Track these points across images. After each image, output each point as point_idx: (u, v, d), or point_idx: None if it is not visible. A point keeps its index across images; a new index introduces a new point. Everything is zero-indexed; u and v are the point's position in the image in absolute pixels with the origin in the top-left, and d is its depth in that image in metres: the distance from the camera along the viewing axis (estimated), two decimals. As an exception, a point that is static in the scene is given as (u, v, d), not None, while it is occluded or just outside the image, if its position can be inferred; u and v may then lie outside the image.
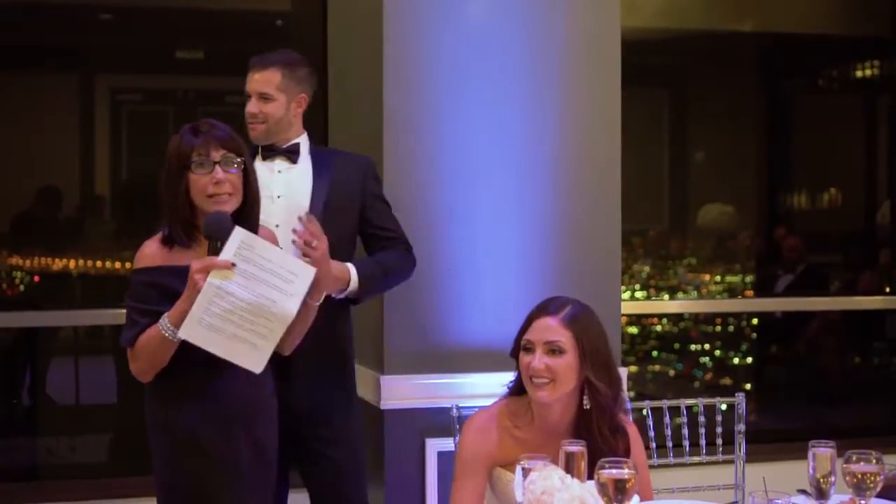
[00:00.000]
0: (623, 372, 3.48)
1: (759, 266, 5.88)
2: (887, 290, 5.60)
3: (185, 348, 2.49)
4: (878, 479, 2.26)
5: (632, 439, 2.58)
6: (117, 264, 4.76)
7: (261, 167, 3.00)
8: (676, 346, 5.86)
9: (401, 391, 3.47)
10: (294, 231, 2.71)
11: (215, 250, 2.48)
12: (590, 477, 2.15)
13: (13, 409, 4.90)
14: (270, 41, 4.08)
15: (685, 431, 3.41)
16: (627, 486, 2.07)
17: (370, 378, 3.54)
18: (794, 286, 5.67)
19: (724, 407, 3.44)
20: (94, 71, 5.08)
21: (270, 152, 3.11)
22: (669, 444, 3.39)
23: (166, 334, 2.49)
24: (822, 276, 5.87)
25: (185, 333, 2.46)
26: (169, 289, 2.52)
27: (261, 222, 2.70)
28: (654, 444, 3.33)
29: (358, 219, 3.15)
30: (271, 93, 3.08)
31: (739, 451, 3.39)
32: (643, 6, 5.42)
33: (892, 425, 5.29)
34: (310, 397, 3.05)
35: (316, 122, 4.06)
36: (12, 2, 4.61)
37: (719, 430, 3.42)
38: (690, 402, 3.44)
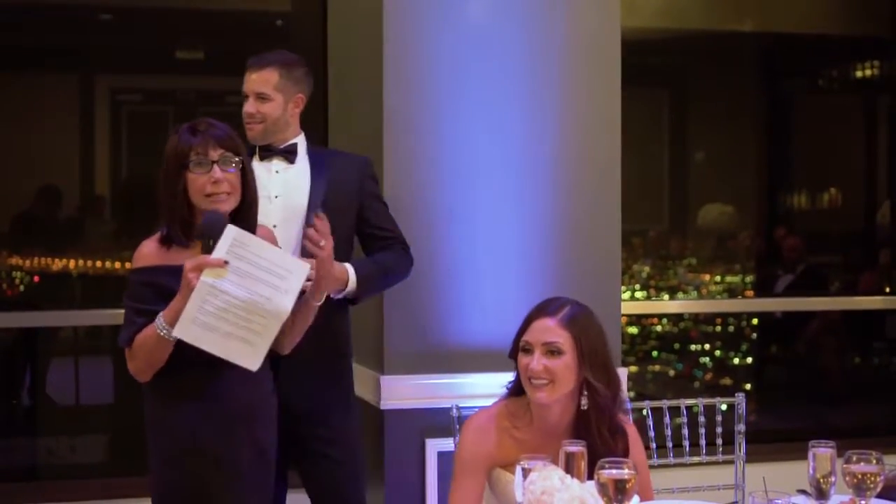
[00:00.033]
0: (623, 372, 3.48)
1: (759, 266, 5.88)
2: (887, 290, 5.60)
3: (183, 348, 2.49)
4: (878, 479, 2.26)
5: (631, 439, 2.58)
6: (117, 264, 4.76)
7: (258, 167, 3.00)
8: (676, 346, 5.86)
9: (401, 391, 3.47)
10: (306, 227, 2.69)
11: (208, 249, 2.47)
12: (590, 477, 2.15)
13: (13, 409, 4.90)
14: (270, 41, 4.08)
15: (685, 431, 3.41)
16: (627, 486, 2.07)
17: (370, 378, 3.54)
18: (794, 286, 5.68)
19: (724, 407, 3.44)
20: (94, 71, 5.08)
21: (268, 152, 3.12)
22: (669, 444, 3.39)
23: (162, 333, 2.49)
24: (822, 276, 5.87)
25: (179, 332, 2.46)
26: (166, 288, 2.51)
27: (258, 222, 2.70)
28: (654, 445, 3.33)
29: (356, 219, 3.15)
30: (268, 93, 3.08)
31: (739, 451, 3.39)
32: (643, 6, 5.42)
33: (892, 425, 5.29)
34: (308, 397, 3.05)
35: (316, 122, 4.06)
36: (12, 2, 4.61)
37: (719, 430, 3.42)
38: (690, 402, 3.44)
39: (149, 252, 2.60)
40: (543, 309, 2.57)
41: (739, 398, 3.41)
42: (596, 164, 3.68)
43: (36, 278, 4.82)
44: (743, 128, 5.99)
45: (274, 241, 2.75)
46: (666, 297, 5.74)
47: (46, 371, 4.87)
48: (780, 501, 2.05)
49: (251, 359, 2.51)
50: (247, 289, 2.48)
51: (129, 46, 4.87)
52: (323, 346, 3.02)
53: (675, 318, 5.82)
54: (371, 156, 3.36)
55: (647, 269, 5.84)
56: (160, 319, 2.49)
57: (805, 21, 5.82)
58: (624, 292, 4.50)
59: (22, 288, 4.80)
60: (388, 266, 3.16)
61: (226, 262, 2.46)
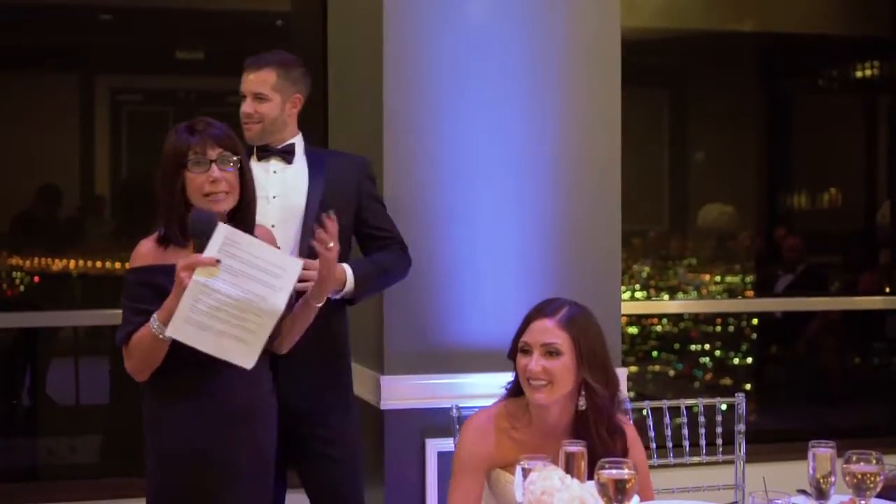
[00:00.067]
0: (622, 372, 3.49)
1: (759, 266, 5.88)
2: (887, 290, 5.60)
3: (180, 347, 2.48)
4: (878, 479, 2.26)
5: (630, 439, 2.58)
6: (117, 264, 4.76)
7: (256, 167, 3.00)
8: (676, 346, 5.86)
9: (401, 391, 3.47)
10: (316, 226, 2.68)
11: (200, 248, 2.47)
12: (590, 477, 2.15)
13: (13, 409, 4.90)
14: (270, 41, 4.08)
15: (685, 432, 3.41)
16: (627, 486, 2.07)
17: (370, 378, 3.54)
18: (794, 286, 5.68)
19: (724, 407, 3.44)
20: (94, 71, 5.08)
21: (265, 153, 3.12)
22: (669, 444, 3.39)
23: (157, 333, 2.48)
24: (821, 276, 5.87)
25: (172, 332, 2.45)
26: (162, 288, 2.51)
27: (257, 222, 2.70)
28: (654, 445, 3.33)
29: (353, 219, 3.15)
30: (266, 93, 3.08)
31: (739, 451, 3.39)
32: (643, 6, 5.42)
33: (892, 425, 5.29)
34: (307, 397, 3.05)
35: (316, 123, 4.06)
36: (12, 2, 4.61)
37: (719, 430, 3.42)
38: (690, 402, 3.44)
39: (146, 252, 2.60)
40: (542, 310, 2.57)
41: (739, 398, 3.40)
42: (596, 164, 3.68)
43: (36, 278, 4.81)
44: (743, 128, 5.99)
45: (273, 241, 2.75)
46: (666, 297, 5.74)
47: (46, 371, 4.87)
48: (780, 501, 2.05)
49: (245, 357, 2.50)
50: (239, 287, 2.47)
51: (129, 46, 4.87)
52: (321, 345, 3.02)
53: (675, 318, 5.82)
54: (371, 156, 3.36)
55: (647, 269, 5.84)
56: (154, 319, 2.49)
57: (805, 21, 5.83)
58: (624, 292, 4.50)
59: (22, 288, 4.80)
60: (385, 266, 3.16)
61: (218, 261, 2.45)
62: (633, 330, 5.71)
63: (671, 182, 6.02)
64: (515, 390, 2.61)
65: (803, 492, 2.55)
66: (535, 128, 3.61)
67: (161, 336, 2.48)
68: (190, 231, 2.52)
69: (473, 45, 3.55)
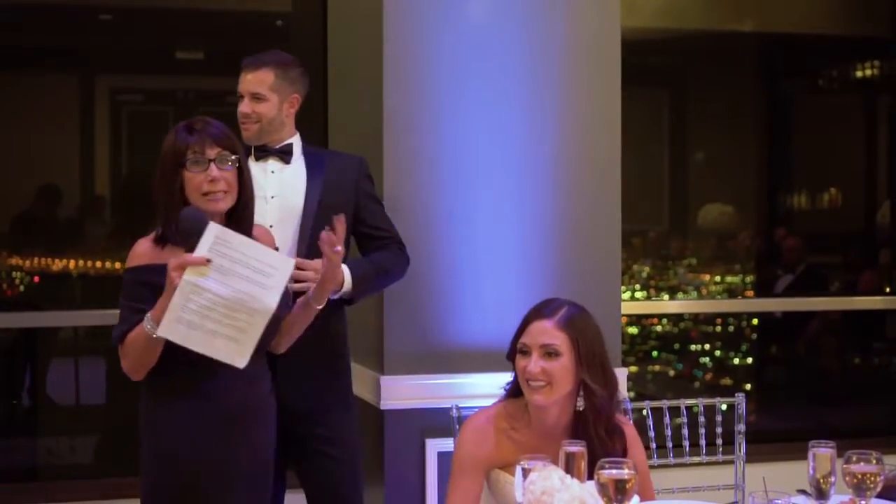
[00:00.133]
0: (622, 372, 3.49)
1: (759, 266, 5.88)
2: (887, 290, 5.60)
3: (177, 346, 2.47)
4: (878, 479, 2.26)
5: (629, 439, 2.58)
6: (117, 265, 4.76)
7: (254, 168, 3.00)
8: (676, 346, 5.86)
9: (401, 391, 3.47)
10: (327, 229, 2.67)
11: (191, 247, 2.46)
12: (590, 477, 2.15)
13: (13, 409, 4.90)
14: (270, 41, 4.08)
15: (685, 432, 3.41)
16: (627, 486, 2.07)
17: (370, 378, 3.54)
18: (794, 286, 5.67)
19: (724, 407, 3.44)
20: (94, 71, 5.08)
21: (263, 153, 3.12)
22: (669, 444, 3.39)
23: (150, 332, 2.48)
24: (821, 276, 5.87)
25: (163, 331, 2.44)
26: (159, 287, 2.49)
27: (255, 222, 2.70)
28: (654, 445, 3.33)
29: (352, 219, 3.15)
30: (264, 93, 3.08)
31: (739, 451, 3.39)
32: (643, 6, 5.42)
33: (892, 425, 5.29)
34: (306, 396, 3.06)
35: (316, 122, 4.07)
36: (12, 2, 4.61)
37: (719, 430, 3.42)
38: (690, 402, 3.44)
39: (143, 251, 2.60)
40: (540, 311, 2.57)
41: (739, 398, 3.40)
42: (596, 164, 3.68)
43: (36, 278, 4.81)
44: (743, 128, 5.98)
45: (272, 241, 2.75)
46: (666, 297, 5.74)
47: (46, 371, 4.87)
48: (780, 501, 2.05)
49: (237, 357, 2.48)
50: (230, 286, 2.45)
51: (129, 46, 4.87)
52: (320, 345, 3.02)
53: (675, 318, 5.82)
54: (371, 156, 3.36)
55: (647, 269, 5.84)
56: (148, 318, 2.48)
57: (805, 21, 5.82)
58: (624, 292, 4.50)
59: (22, 288, 4.80)
60: (383, 266, 3.16)
61: (208, 261, 2.44)
62: (633, 330, 5.71)
63: (671, 182, 6.02)
64: (514, 391, 2.61)
65: (803, 492, 2.55)
66: (535, 128, 3.61)
67: (154, 335, 2.47)
68: (180, 230, 2.51)
69: (473, 45, 3.55)
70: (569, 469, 2.15)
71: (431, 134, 3.52)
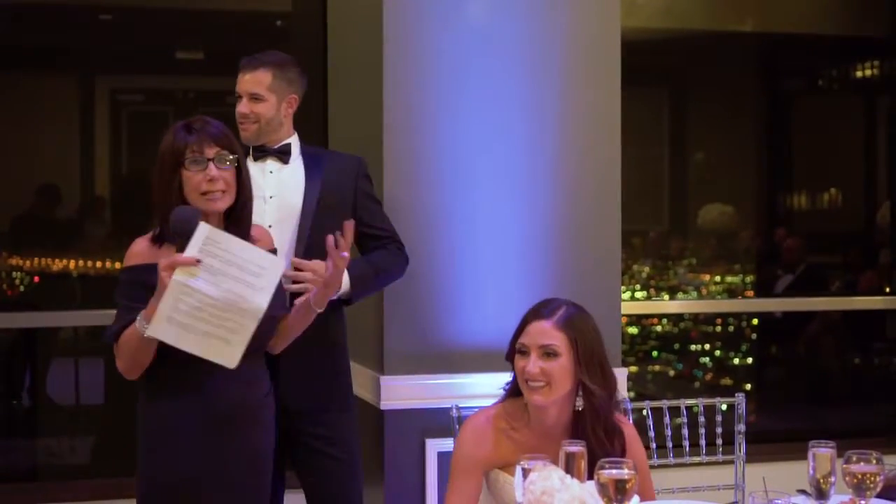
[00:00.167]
0: (622, 372, 3.49)
1: (759, 266, 5.88)
2: (887, 290, 5.59)
3: (172, 346, 2.46)
4: (878, 479, 2.26)
5: (629, 439, 2.58)
6: (117, 265, 4.75)
7: (252, 168, 3.01)
8: (676, 346, 5.86)
9: (400, 391, 3.47)
10: (337, 235, 2.66)
11: (181, 247, 2.46)
12: (590, 477, 2.15)
13: (13, 409, 4.90)
14: (270, 41, 4.08)
15: (685, 432, 3.41)
16: (627, 486, 2.06)
17: (370, 378, 3.54)
18: (794, 286, 5.67)
19: (724, 407, 3.44)
20: (94, 71, 5.08)
21: (261, 153, 3.12)
22: (669, 444, 3.39)
23: (142, 332, 2.47)
24: (821, 276, 5.87)
25: (154, 331, 2.43)
26: (154, 286, 2.49)
27: (253, 222, 2.70)
28: (654, 445, 3.33)
29: (350, 218, 3.15)
30: (262, 93, 3.08)
31: (739, 451, 3.39)
32: (643, 6, 5.42)
33: (892, 425, 5.29)
34: (305, 397, 3.06)
35: (316, 122, 4.06)
36: (12, 2, 4.61)
37: (719, 430, 3.42)
38: (690, 402, 3.44)
39: (139, 250, 2.60)
40: (539, 311, 2.57)
41: (739, 398, 3.40)
42: (596, 164, 3.67)
43: (36, 278, 4.81)
44: (743, 128, 5.99)
45: (270, 241, 2.74)
46: (666, 297, 5.74)
47: (46, 371, 4.87)
48: (780, 501, 2.05)
49: (228, 357, 2.47)
50: (220, 287, 2.44)
51: (129, 46, 4.87)
52: (319, 346, 3.02)
53: (675, 318, 5.82)
54: (371, 156, 3.36)
55: (647, 269, 5.84)
56: (140, 318, 2.48)
57: (805, 21, 5.82)
58: (624, 292, 4.50)
59: (22, 288, 4.80)
60: (381, 266, 3.16)
61: (198, 261, 2.43)
62: (633, 330, 5.71)
63: (671, 182, 6.02)
64: (514, 391, 2.61)
65: (803, 492, 2.55)
66: (535, 128, 3.60)
67: (145, 335, 2.46)
68: (171, 230, 2.51)
69: (473, 45, 3.55)
70: (569, 469, 2.14)
71: (431, 134, 3.52)
